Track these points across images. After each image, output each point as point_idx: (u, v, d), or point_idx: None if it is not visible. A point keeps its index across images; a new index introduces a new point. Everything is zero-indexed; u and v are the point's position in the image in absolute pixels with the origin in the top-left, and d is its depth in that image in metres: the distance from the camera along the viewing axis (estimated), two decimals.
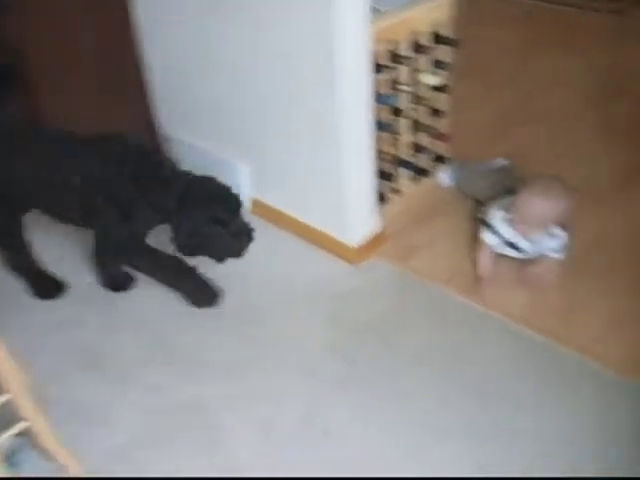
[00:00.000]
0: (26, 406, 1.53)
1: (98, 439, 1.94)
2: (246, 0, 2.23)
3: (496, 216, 2.38)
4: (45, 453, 1.65)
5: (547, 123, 3.31)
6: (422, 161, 2.73)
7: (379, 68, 2.33)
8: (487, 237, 2.39)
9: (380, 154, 2.50)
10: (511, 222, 2.32)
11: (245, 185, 2.66)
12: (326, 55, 2.10)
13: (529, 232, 2.32)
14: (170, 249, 2.22)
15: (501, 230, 2.36)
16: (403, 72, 2.43)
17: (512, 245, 2.38)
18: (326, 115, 2.23)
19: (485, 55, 4.13)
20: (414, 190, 2.75)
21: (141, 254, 2.27)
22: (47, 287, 2.42)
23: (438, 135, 2.73)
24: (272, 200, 2.64)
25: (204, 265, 2.27)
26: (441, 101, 2.66)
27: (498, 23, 4.59)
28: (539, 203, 2.25)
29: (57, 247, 2.57)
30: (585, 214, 2.57)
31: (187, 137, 2.81)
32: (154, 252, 2.27)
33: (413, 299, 2.35)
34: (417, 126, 2.64)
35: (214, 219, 2.12)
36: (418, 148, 2.69)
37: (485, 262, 2.39)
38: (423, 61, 2.50)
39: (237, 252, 2.22)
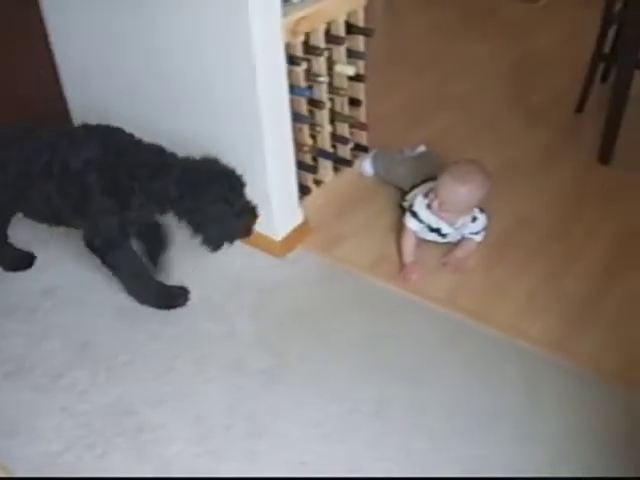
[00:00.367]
0: None
1: (27, 448, 1.89)
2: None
3: (418, 202, 2.41)
4: None
5: (464, 109, 3.38)
6: (343, 151, 2.74)
7: (295, 60, 2.33)
8: (410, 223, 2.42)
9: (300, 146, 2.51)
10: (433, 208, 2.36)
11: None
12: (240, 49, 2.09)
13: (451, 218, 2.37)
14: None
15: (423, 216, 2.39)
16: (319, 63, 2.44)
17: (435, 230, 2.42)
18: (243, 109, 2.22)
19: (400, 43, 4.19)
20: (336, 180, 2.77)
21: (120, 255, 2.21)
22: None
23: (357, 124, 2.75)
24: None
25: None
26: (358, 91, 2.68)
27: (412, 11, 4.67)
28: (459, 189, 2.29)
29: None
30: (504, 197, 2.64)
31: None
32: (133, 256, 2.22)
33: (339, 288, 2.36)
34: (336, 116, 2.66)
35: (218, 199, 2.05)
36: (338, 138, 2.70)
37: (408, 248, 2.42)
38: (338, 51, 2.52)
39: (246, 231, 2.18)
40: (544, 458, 1.81)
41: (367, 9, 2.57)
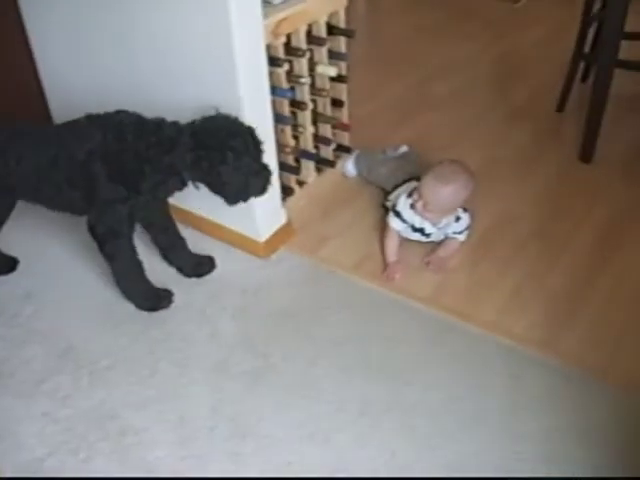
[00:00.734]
0: None
1: (10, 454, 1.88)
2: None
3: (402, 202, 2.42)
4: None
5: (446, 108, 3.39)
6: (325, 152, 2.74)
7: (276, 61, 2.33)
8: (393, 223, 2.42)
9: (283, 147, 2.50)
10: (417, 208, 2.36)
11: None
12: (221, 52, 2.08)
13: (435, 218, 2.37)
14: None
15: (407, 216, 2.40)
16: (300, 64, 2.44)
17: (418, 230, 2.42)
18: (225, 111, 2.20)
19: (382, 44, 4.20)
20: (319, 181, 2.76)
21: (119, 245, 2.19)
22: None
23: (340, 125, 2.75)
24: (178, 200, 2.60)
25: None
26: (341, 91, 2.68)
27: (393, 12, 4.68)
28: (443, 189, 2.29)
29: None
30: (487, 196, 2.65)
31: None
32: (131, 250, 2.21)
33: (323, 289, 2.36)
34: (318, 117, 2.66)
35: (232, 152, 1.97)
36: (320, 139, 2.70)
37: (391, 248, 2.43)
38: (320, 52, 2.52)
39: (263, 188, 2.11)
40: (533, 456, 1.81)
41: (348, 10, 2.57)
